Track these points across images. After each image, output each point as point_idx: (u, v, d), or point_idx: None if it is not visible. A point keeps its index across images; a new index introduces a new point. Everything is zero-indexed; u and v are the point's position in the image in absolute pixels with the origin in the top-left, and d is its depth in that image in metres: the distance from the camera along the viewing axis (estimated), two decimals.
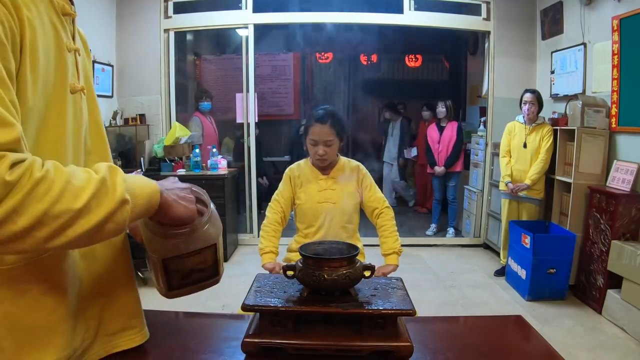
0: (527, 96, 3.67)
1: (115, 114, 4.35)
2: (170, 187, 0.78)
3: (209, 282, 0.87)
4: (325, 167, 1.98)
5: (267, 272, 1.83)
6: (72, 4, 0.82)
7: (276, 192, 2.04)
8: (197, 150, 4.28)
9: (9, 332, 0.70)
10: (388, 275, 1.62)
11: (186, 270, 0.83)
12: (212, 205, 0.85)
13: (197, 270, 0.84)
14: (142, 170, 4.10)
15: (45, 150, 0.71)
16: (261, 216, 2.02)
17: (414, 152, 6.02)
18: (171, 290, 0.84)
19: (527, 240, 3.33)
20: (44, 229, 0.60)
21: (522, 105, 3.70)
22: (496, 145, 4.30)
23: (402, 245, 1.99)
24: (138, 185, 0.70)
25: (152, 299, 1.05)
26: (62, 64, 0.76)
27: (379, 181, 6.38)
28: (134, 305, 0.93)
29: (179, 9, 4.57)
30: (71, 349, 0.77)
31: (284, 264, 1.84)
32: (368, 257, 1.94)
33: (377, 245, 2.02)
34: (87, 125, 0.85)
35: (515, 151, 3.76)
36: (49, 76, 0.72)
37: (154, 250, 0.81)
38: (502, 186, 3.85)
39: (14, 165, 0.58)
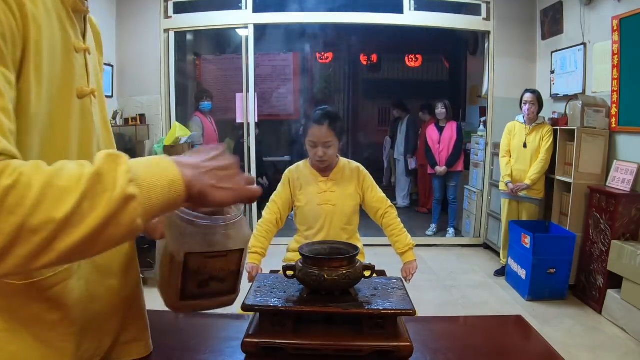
0: (527, 96, 3.66)
1: (115, 114, 4.35)
2: (204, 166, 0.63)
3: (225, 299, 0.79)
4: (324, 168, 1.97)
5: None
6: None
7: (274, 193, 2.04)
8: None
9: (5, 344, 0.67)
10: (387, 275, 1.62)
11: (205, 276, 0.74)
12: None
13: (216, 278, 0.75)
14: None
15: (51, 162, 0.60)
16: (261, 216, 2.02)
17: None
18: (183, 299, 0.75)
19: (527, 240, 3.33)
20: (24, 246, 0.50)
21: (522, 105, 3.70)
22: (496, 145, 4.30)
23: None
24: (152, 173, 0.57)
25: (152, 299, 1.05)
26: (69, 67, 0.69)
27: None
28: (143, 316, 0.93)
29: (179, 9, 4.57)
30: None
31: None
32: (368, 257, 1.95)
33: (377, 245, 2.02)
34: (99, 132, 0.78)
35: (515, 151, 3.75)
36: (55, 80, 0.65)
37: (179, 241, 0.70)
38: (502, 186, 3.85)
39: None
